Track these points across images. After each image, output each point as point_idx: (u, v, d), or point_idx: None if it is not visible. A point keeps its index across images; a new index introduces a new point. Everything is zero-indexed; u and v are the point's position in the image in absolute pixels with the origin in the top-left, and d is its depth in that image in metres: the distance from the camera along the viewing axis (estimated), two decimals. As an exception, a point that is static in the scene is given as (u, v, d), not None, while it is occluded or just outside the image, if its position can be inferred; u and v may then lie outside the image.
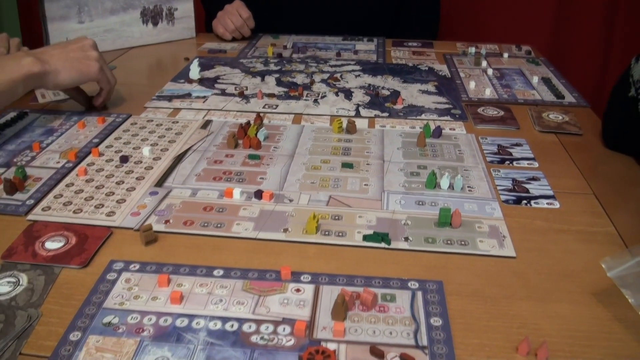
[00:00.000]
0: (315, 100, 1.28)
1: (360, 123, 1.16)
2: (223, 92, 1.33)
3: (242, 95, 1.30)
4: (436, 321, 0.65)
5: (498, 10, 2.25)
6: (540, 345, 0.61)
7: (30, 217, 0.84)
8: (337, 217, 0.85)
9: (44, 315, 0.66)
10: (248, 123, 1.12)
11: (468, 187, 0.94)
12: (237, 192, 0.89)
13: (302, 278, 0.72)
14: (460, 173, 0.98)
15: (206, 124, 1.15)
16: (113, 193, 0.90)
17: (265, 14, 1.80)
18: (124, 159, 1.00)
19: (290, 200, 0.89)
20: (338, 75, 1.44)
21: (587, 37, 2.20)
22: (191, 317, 0.65)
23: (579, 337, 0.65)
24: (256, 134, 1.07)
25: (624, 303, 0.69)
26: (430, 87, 1.38)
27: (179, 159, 1.01)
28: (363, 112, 1.23)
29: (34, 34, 2.28)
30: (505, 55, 1.64)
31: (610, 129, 1.11)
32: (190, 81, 1.39)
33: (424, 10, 1.94)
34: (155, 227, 0.81)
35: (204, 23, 1.90)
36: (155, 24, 1.70)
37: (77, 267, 0.74)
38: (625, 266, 0.71)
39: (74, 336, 0.62)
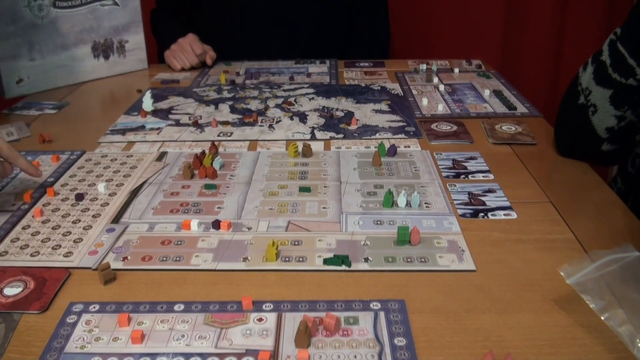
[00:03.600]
0: (270, 126, 1.28)
1: (316, 146, 1.16)
2: (177, 123, 1.32)
3: (196, 124, 1.30)
4: (400, 341, 0.65)
5: (447, 26, 2.28)
6: (505, 357, 0.62)
7: (-14, 263, 0.83)
8: (296, 242, 0.85)
9: (5, 366, 0.64)
10: (203, 153, 1.12)
11: (425, 203, 0.94)
12: (194, 224, 0.88)
13: (264, 307, 0.71)
14: (416, 190, 0.98)
15: (161, 156, 1.14)
16: (70, 233, 0.89)
17: (216, 40, 1.80)
18: (80, 197, 0.98)
19: (249, 229, 0.89)
20: (292, 99, 1.44)
21: (536, 47, 2.24)
22: (153, 355, 0.64)
23: (543, 345, 0.65)
24: (212, 163, 1.07)
25: (586, 309, 0.70)
26: (383, 106, 1.39)
27: (134, 193, 1.00)
28: (318, 134, 1.23)
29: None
30: (456, 70, 1.66)
31: (562, 137, 1.12)
32: (144, 113, 1.37)
33: (375, 29, 1.95)
34: (114, 265, 0.80)
35: (156, 54, 1.89)
36: (106, 57, 1.70)
37: (37, 312, 0.72)
38: (584, 272, 0.72)
39: (35, 384, 0.61)
